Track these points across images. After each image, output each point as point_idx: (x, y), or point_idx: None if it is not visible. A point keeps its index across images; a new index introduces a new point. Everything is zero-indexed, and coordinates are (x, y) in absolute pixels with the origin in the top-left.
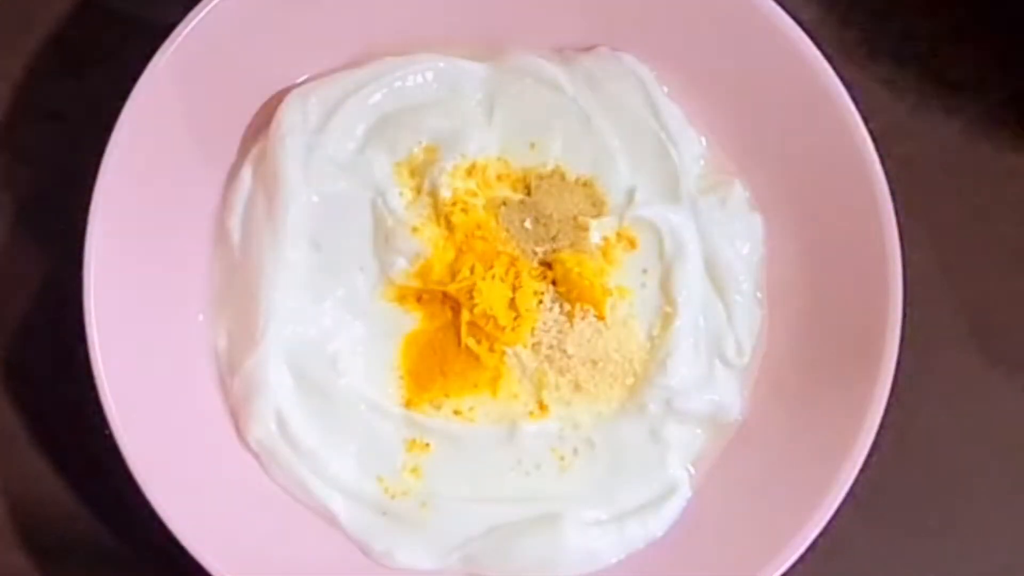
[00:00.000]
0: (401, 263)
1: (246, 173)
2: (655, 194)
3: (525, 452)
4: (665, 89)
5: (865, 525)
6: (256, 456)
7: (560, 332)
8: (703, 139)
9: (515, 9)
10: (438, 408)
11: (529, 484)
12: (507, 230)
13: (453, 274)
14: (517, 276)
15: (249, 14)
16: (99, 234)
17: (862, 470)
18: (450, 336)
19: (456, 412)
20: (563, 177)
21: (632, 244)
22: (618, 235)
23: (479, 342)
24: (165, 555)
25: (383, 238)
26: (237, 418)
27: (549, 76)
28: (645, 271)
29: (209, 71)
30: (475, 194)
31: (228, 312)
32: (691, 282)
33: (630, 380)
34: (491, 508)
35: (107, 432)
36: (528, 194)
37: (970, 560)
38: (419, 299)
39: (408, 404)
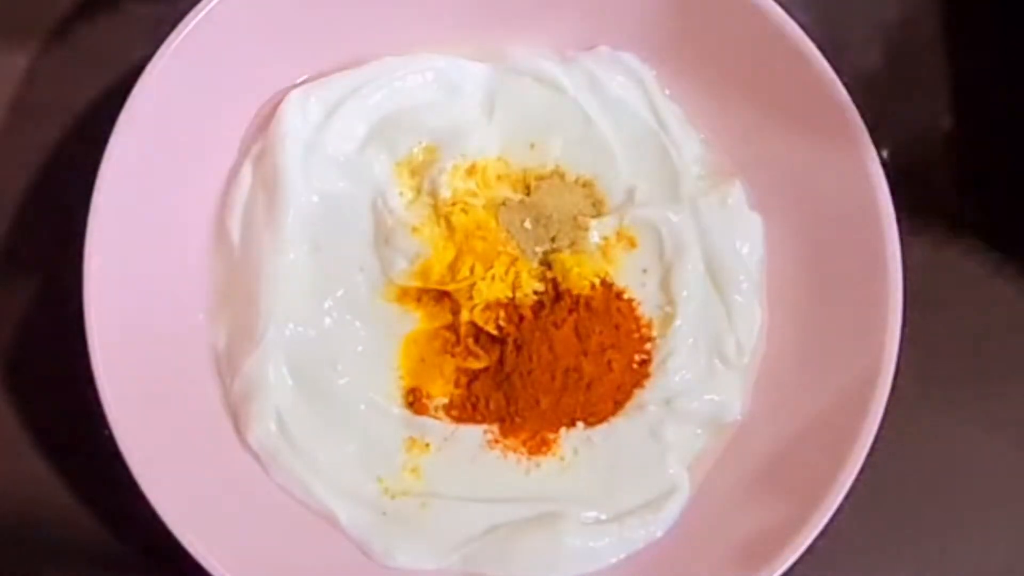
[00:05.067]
0: (401, 263)
1: (246, 173)
2: (655, 194)
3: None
4: (665, 89)
5: (865, 525)
6: (256, 456)
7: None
8: (703, 139)
9: (515, 9)
10: (437, 408)
11: (529, 484)
12: (507, 230)
13: (453, 274)
14: (517, 276)
15: (249, 14)
16: (99, 234)
17: (862, 470)
18: (450, 336)
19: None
20: (563, 177)
21: (632, 244)
22: (618, 235)
23: (479, 342)
24: (165, 555)
25: (383, 238)
26: (237, 418)
27: (549, 76)
28: (645, 271)
29: (209, 71)
30: (475, 194)
31: (228, 312)
32: (691, 282)
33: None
34: (491, 508)
35: (107, 432)
36: (528, 194)
37: (970, 560)
38: (419, 299)
39: (408, 404)
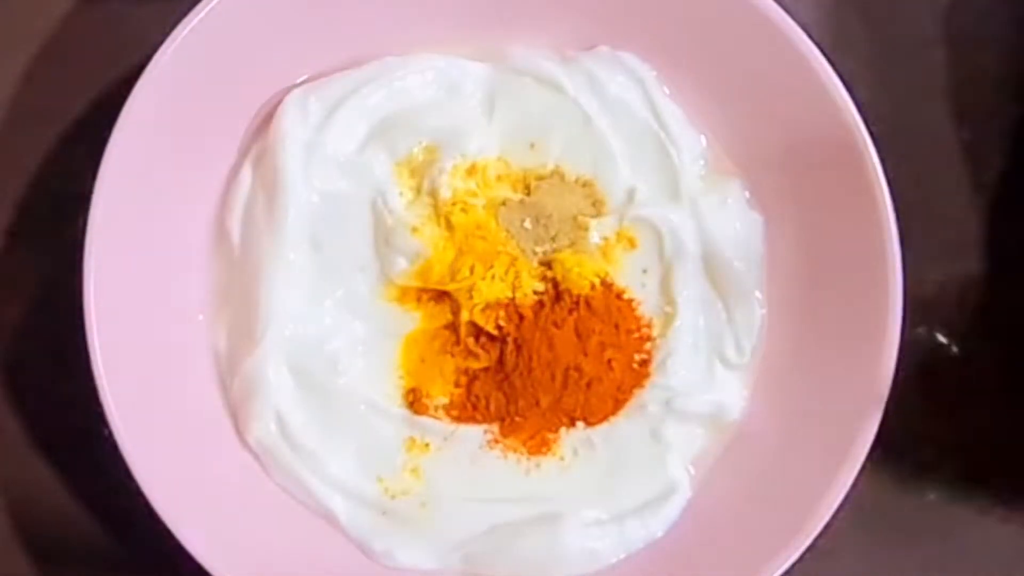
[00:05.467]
0: (401, 263)
1: (246, 173)
2: (655, 194)
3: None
4: (665, 89)
5: (864, 525)
6: (256, 456)
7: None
8: (703, 139)
9: (515, 9)
10: (437, 408)
11: (529, 484)
12: (507, 230)
13: (453, 274)
14: (517, 276)
15: (249, 14)
16: (99, 234)
17: (862, 470)
18: (450, 336)
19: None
20: (563, 177)
21: (632, 244)
22: (618, 235)
23: (479, 342)
24: (165, 555)
25: (383, 238)
26: (237, 418)
27: (549, 76)
28: (645, 271)
29: (209, 71)
30: (475, 194)
31: (228, 312)
32: (691, 282)
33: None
34: (491, 508)
35: (107, 432)
36: (528, 194)
37: (969, 560)
38: (419, 299)
39: (408, 404)
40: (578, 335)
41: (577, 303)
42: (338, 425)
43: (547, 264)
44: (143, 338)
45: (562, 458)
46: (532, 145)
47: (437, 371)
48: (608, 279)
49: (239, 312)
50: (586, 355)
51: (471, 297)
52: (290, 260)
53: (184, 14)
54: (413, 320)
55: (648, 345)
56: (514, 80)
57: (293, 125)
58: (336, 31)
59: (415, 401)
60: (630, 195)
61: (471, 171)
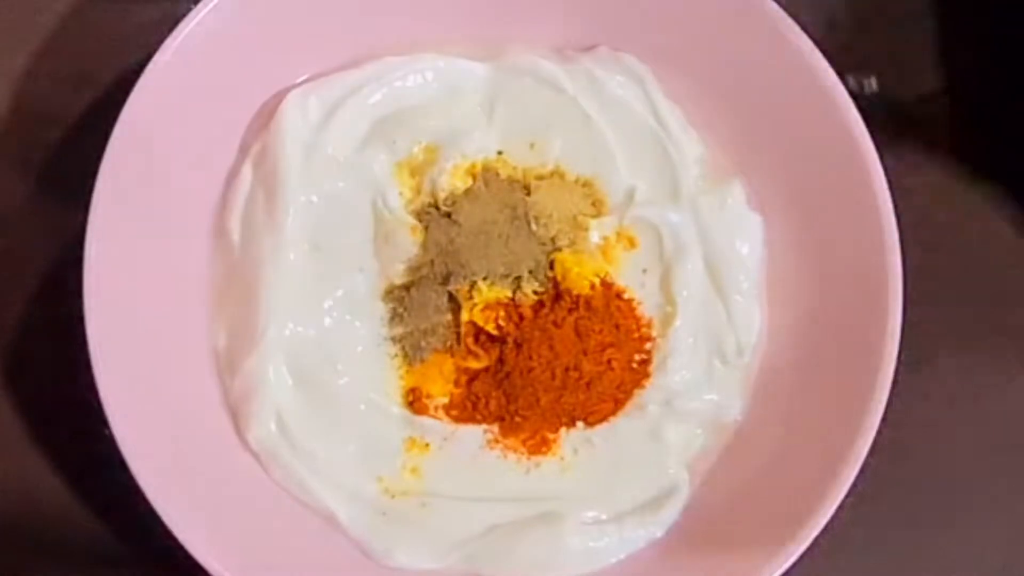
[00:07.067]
0: (401, 263)
1: (246, 173)
2: (655, 194)
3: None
4: (665, 89)
5: (865, 525)
6: (256, 456)
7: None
8: (703, 139)
9: (515, 9)
10: (437, 408)
11: (529, 484)
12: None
13: None
14: (517, 276)
15: (249, 14)
16: (99, 234)
17: (862, 470)
18: (450, 336)
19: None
20: (563, 177)
21: (632, 244)
22: (618, 235)
23: (478, 341)
24: (165, 555)
25: (383, 238)
26: (237, 418)
27: (549, 76)
28: (645, 271)
29: (209, 71)
30: None
31: (228, 312)
32: (691, 282)
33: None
34: (491, 508)
35: (107, 432)
36: (528, 194)
37: (969, 559)
38: None
39: (408, 404)
40: (578, 335)
41: (577, 303)
42: (338, 425)
43: (547, 264)
44: (143, 338)
45: (562, 458)
46: (532, 145)
47: (437, 371)
48: (608, 279)
49: (239, 312)
50: (586, 355)
51: (471, 297)
52: (290, 260)
53: (184, 14)
54: None
55: (648, 345)
56: (514, 80)
57: (293, 125)
58: (336, 31)
59: (415, 401)
60: (630, 195)
61: (471, 171)
